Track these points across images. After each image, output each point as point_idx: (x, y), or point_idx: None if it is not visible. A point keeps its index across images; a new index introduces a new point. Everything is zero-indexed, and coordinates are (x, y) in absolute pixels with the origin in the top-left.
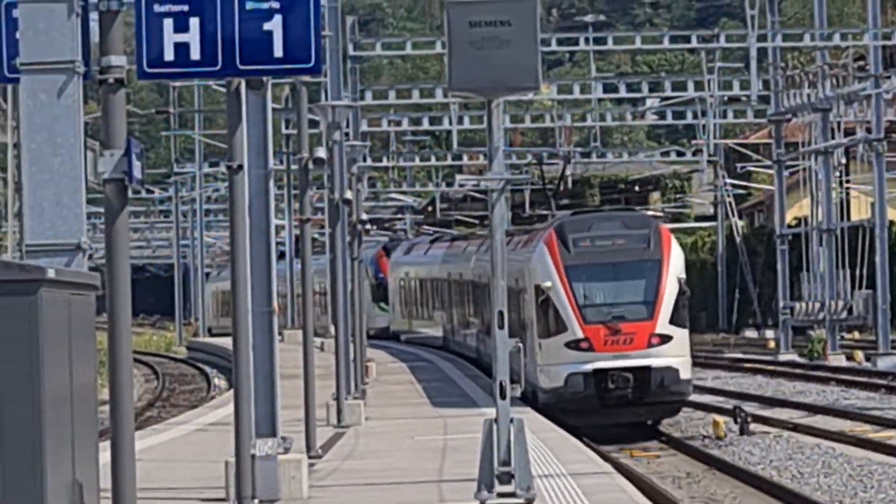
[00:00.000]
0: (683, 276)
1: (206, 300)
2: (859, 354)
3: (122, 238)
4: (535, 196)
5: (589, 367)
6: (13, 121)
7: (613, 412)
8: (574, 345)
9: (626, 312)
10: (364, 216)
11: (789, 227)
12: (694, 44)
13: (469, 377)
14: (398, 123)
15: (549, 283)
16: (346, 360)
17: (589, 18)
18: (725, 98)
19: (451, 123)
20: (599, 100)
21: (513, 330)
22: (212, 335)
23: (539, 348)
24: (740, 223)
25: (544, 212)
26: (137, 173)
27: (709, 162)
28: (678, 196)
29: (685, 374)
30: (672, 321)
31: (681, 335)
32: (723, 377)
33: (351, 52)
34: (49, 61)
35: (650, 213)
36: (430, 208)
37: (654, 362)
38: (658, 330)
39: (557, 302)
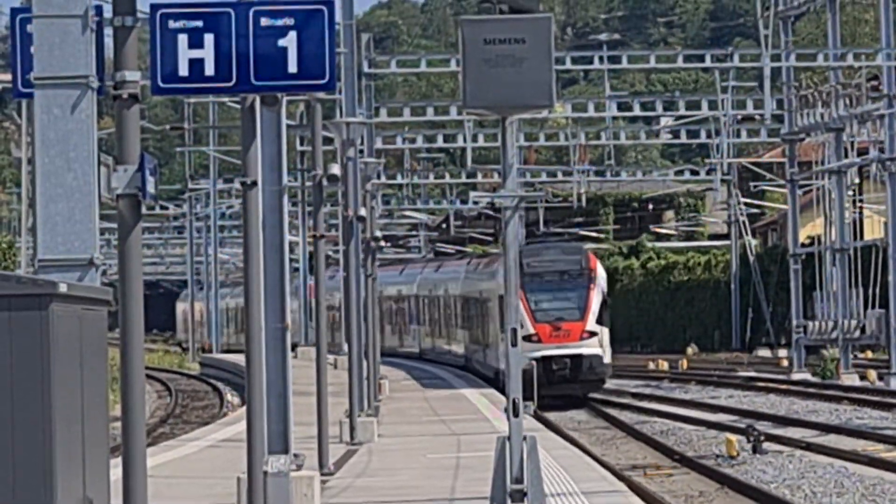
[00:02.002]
0: (605, 289)
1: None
2: (872, 374)
3: (135, 253)
4: (549, 214)
5: (538, 353)
6: (27, 136)
7: (555, 387)
8: (527, 338)
9: (565, 315)
10: (378, 233)
11: (803, 246)
12: (708, 63)
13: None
14: (412, 141)
15: None
16: (360, 378)
17: (603, 37)
18: (739, 117)
19: (465, 141)
20: (614, 118)
21: (480, 326)
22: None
23: (501, 341)
24: (754, 242)
25: (559, 230)
26: (151, 189)
27: (722, 181)
28: (692, 215)
29: (606, 359)
30: (597, 321)
31: (603, 332)
32: (736, 396)
33: (365, 69)
34: (63, 76)
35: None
36: (443, 225)
37: (585, 351)
38: (587, 328)
39: None
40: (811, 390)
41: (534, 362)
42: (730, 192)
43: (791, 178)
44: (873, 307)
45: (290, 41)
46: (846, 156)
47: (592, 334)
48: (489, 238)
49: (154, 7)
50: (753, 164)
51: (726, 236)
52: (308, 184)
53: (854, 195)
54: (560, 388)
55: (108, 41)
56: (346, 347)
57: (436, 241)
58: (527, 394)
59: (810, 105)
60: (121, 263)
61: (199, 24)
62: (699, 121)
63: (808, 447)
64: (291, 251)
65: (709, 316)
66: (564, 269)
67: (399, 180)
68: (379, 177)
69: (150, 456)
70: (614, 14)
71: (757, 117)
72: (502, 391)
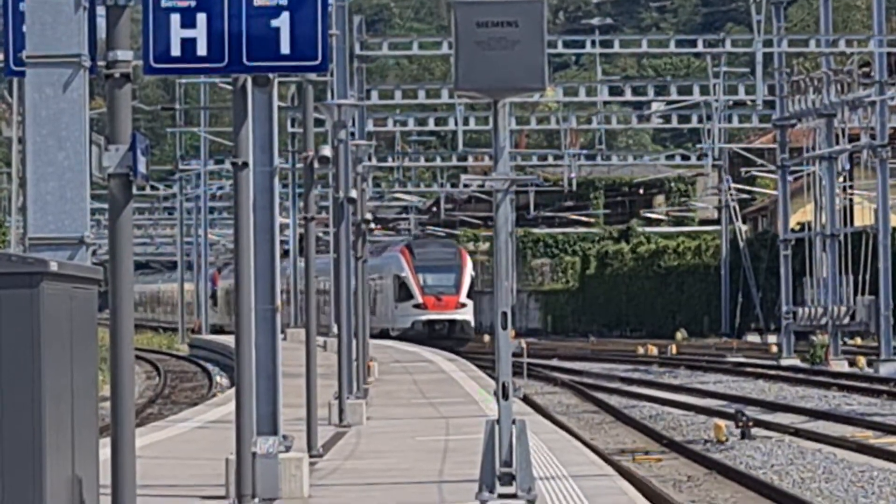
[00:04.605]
0: (473, 274)
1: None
2: (861, 360)
3: (125, 233)
4: (539, 198)
5: (425, 318)
6: (18, 115)
7: (436, 342)
8: (416, 306)
9: (444, 290)
10: (368, 216)
11: (793, 231)
12: (700, 48)
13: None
14: (404, 123)
15: (404, 274)
16: (349, 360)
17: (595, 21)
18: (731, 102)
19: (456, 124)
20: (605, 102)
21: (381, 298)
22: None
23: (396, 308)
24: (744, 227)
25: (549, 214)
26: (142, 168)
27: (713, 166)
28: (682, 200)
29: (472, 324)
30: (468, 296)
31: (471, 304)
32: (725, 381)
33: (357, 51)
34: (55, 55)
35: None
36: (434, 209)
37: (458, 317)
38: (460, 300)
39: (408, 283)
40: (800, 376)
41: (524, 344)
42: (720, 177)
43: (782, 163)
44: (863, 294)
45: (282, 22)
46: (837, 142)
47: (464, 305)
48: (479, 222)
49: None
50: (744, 149)
51: (716, 221)
52: (299, 165)
53: (844, 181)
54: (439, 343)
55: (101, 22)
56: (335, 329)
57: (426, 224)
58: (421, 344)
59: (802, 91)
60: (111, 243)
61: (192, 3)
62: (690, 106)
63: (797, 433)
64: (281, 233)
65: (698, 301)
66: (443, 258)
67: (390, 163)
68: (370, 159)
69: (138, 436)
70: None
71: (748, 103)
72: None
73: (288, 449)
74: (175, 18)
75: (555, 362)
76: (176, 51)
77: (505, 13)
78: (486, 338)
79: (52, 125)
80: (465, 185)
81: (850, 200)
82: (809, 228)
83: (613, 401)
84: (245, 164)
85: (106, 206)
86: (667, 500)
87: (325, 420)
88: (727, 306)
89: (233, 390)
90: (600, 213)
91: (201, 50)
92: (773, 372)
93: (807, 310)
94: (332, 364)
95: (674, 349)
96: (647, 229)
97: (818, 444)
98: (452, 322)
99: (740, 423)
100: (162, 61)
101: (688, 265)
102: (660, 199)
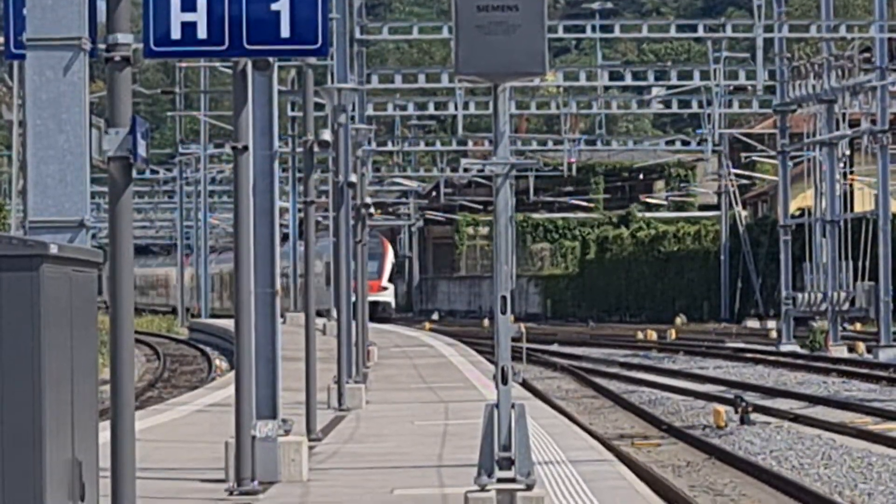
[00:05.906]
0: (394, 261)
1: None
2: (861, 346)
3: (125, 216)
4: (539, 182)
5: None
6: (19, 98)
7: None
8: None
9: (369, 276)
10: (368, 200)
11: (793, 217)
12: (700, 33)
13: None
14: (403, 108)
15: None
16: (348, 344)
17: (596, 6)
18: (731, 88)
19: (456, 108)
20: (605, 87)
21: (313, 282)
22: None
23: (326, 290)
24: (744, 213)
25: (549, 199)
26: (142, 152)
27: (713, 151)
28: (682, 185)
29: (393, 305)
30: (389, 280)
31: (392, 288)
32: (724, 366)
33: (358, 35)
34: (56, 37)
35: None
36: (434, 193)
37: (380, 298)
38: (382, 284)
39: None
40: (799, 362)
41: (523, 329)
42: (720, 162)
43: (782, 149)
44: (863, 279)
45: (283, 5)
46: (837, 127)
47: (385, 288)
48: (479, 206)
49: None
50: (744, 134)
51: (716, 207)
52: (299, 150)
53: (845, 167)
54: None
55: (101, 4)
56: (335, 313)
57: (426, 209)
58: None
59: (802, 76)
60: (111, 226)
61: None
62: (691, 91)
63: (796, 419)
64: (281, 217)
65: (698, 286)
66: (368, 247)
67: (390, 147)
68: (370, 143)
69: (138, 420)
70: None
71: (749, 88)
72: None
73: (287, 433)
74: (175, 2)
75: (554, 347)
76: (176, 34)
77: None
78: (486, 322)
79: (52, 108)
80: (465, 170)
81: (851, 186)
82: (809, 214)
83: (613, 386)
84: (245, 148)
85: (106, 189)
86: (666, 485)
87: (324, 404)
88: (727, 292)
89: (232, 374)
90: (600, 198)
91: (201, 33)
92: (772, 357)
93: (806, 295)
94: (332, 348)
95: (673, 334)
96: (647, 214)
97: (817, 430)
98: (375, 303)
99: (739, 409)
100: (162, 45)
101: (687, 250)
102: (660, 184)
